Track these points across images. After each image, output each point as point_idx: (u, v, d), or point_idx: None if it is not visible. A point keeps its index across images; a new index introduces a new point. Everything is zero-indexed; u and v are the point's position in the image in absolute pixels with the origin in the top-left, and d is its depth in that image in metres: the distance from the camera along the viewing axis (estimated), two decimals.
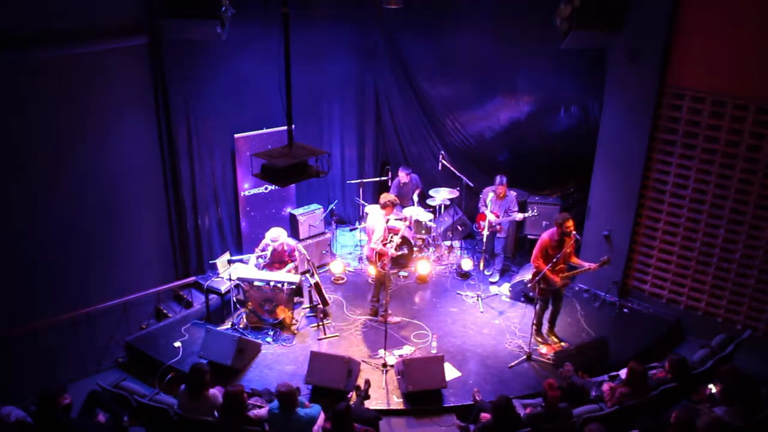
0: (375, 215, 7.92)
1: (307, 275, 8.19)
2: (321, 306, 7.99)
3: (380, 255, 7.80)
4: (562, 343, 7.67)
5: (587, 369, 6.92)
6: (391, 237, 7.99)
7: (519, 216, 8.73)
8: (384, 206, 7.83)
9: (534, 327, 7.67)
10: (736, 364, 6.23)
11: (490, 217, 8.70)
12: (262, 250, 8.18)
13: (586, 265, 7.22)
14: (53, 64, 6.68)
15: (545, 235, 7.32)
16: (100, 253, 7.59)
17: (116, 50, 7.28)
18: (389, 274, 8.00)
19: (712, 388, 5.80)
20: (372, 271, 8.17)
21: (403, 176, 9.62)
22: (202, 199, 8.83)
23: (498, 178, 8.74)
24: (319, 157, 5.91)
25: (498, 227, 8.88)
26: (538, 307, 7.61)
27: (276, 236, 8.01)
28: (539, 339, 7.73)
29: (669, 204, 7.96)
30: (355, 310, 8.45)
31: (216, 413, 5.74)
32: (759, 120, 7.06)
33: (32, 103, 6.63)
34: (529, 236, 9.40)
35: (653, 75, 7.57)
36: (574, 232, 7.20)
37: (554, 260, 7.10)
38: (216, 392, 5.85)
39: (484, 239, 8.87)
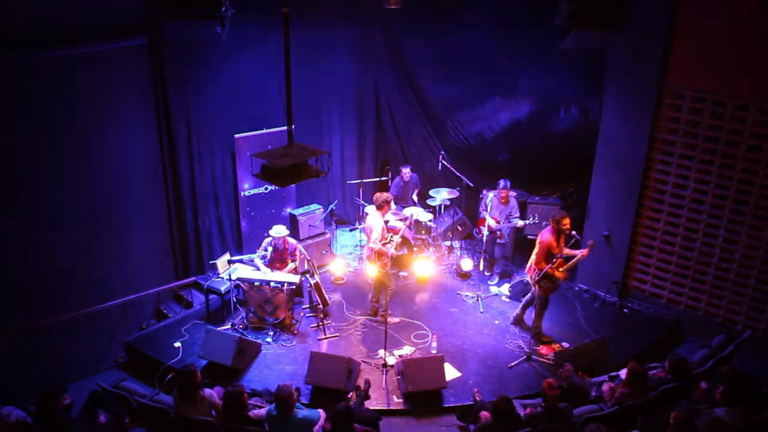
0: (373, 215, 7.92)
1: (307, 275, 8.19)
2: (321, 306, 7.99)
3: (379, 255, 7.80)
4: (526, 331, 7.80)
5: (587, 369, 6.91)
6: (391, 236, 7.98)
7: (520, 223, 8.69)
8: (379, 206, 7.82)
9: (535, 330, 7.68)
10: (736, 364, 6.24)
11: (491, 222, 8.67)
12: (264, 250, 8.18)
13: (578, 252, 7.26)
14: (53, 64, 6.68)
15: (546, 237, 7.29)
16: (100, 253, 7.59)
17: (116, 50, 7.28)
18: (389, 273, 8.00)
19: (703, 384, 5.81)
20: (372, 271, 8.18)
21: (406, 173, 9.60)
22: (202, 199, 8.83)
23: (501, 182, 8.67)
24: (319, 157, 5.91)
25: (498, 233, 8.85)
26: (537, 308, 7.63)
27: (279, 231, 8.03)
28: (544, 338, 7.74)
29: (669, 204, 7.96)
30: (355, 311, 8.45)
31: (213, 413, 5.74)
32: (759, 120, 7.06)
33: (32, 103, 6.63)
34: (528, 236, 9.38)
35: (653, 75, 7.57)
36: (574, 232, 7.23)
37: (555, 259, 7.12)
38: (212, 392, 5.85)
39: (484, 243, 8.88)
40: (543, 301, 7.57)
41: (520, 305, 8.04)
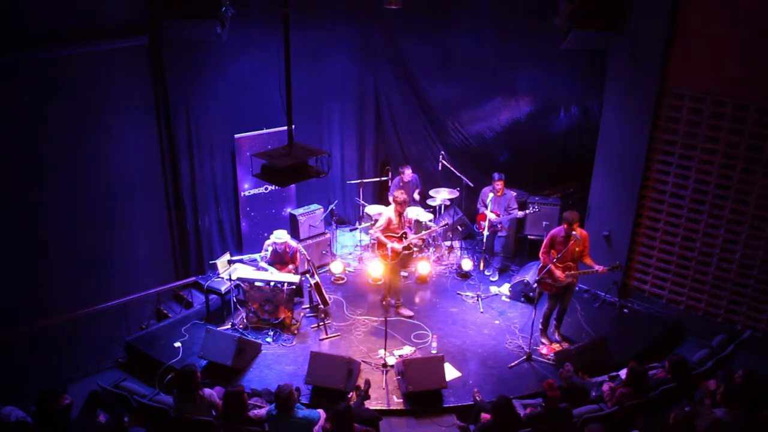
0: (389, 207, 8.04)
1: (307, 275, 8.19)
2: (321, 306, 7.99)
3: (379, 245, 7.86)
4: (565, 343, 7.66)
5: (587, 369, 6.91)
6: (404, 233, 7.97)
7: (520, 213, 8.73)
8: (394, 201, 7.90)
9: (541, 326, 7.66)
10: (736, 364, 6.24)
11: (491, 216, 8.69)
12: (265, 250, 8.18)
13: (597, 267, 7.12)
14: (53, 64, 6.68)
15: (554, 230, 7.35)
16: (100, 253, 7.59)
17: (116, 50, 7.29)
18: (396, 269, 8.04)
19: (712, 384, 5.80)
20: (377, 269, 8.19)
21: (406, 174, 9.57)
22: (202, 199, 8.83)
23: (496, 175, 8.73)
24: (319, 157, 5.91)
25: (499, 226, 8.88)
26: (546, 305, 7.61)
27: (279, 236, 8.04)
28: (545, 340, 7.72)
29: (669, 204, 7.96)
30: (355, 310, 8.46)
31: (213, 412, 5.74)
32: (759, 120, 7.06)
33: (32, 103, 6.63)
34: (529, 236, 9.40)
35: (653, 75, 7.57)
36: (574, 233, 7.09)
37: (558, 256, 7.10)
38: (212, 392, 5.85)
39: (485, 239, 8.87)
40: (550, 299, 7.55)
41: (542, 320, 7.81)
